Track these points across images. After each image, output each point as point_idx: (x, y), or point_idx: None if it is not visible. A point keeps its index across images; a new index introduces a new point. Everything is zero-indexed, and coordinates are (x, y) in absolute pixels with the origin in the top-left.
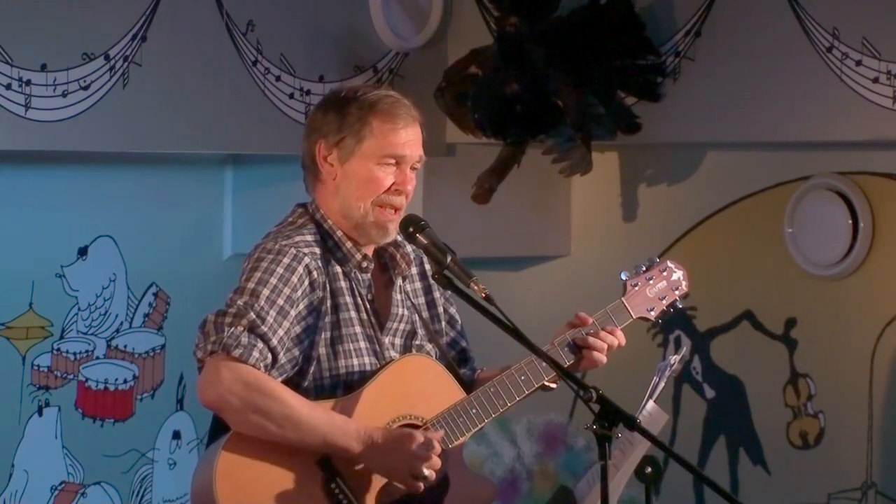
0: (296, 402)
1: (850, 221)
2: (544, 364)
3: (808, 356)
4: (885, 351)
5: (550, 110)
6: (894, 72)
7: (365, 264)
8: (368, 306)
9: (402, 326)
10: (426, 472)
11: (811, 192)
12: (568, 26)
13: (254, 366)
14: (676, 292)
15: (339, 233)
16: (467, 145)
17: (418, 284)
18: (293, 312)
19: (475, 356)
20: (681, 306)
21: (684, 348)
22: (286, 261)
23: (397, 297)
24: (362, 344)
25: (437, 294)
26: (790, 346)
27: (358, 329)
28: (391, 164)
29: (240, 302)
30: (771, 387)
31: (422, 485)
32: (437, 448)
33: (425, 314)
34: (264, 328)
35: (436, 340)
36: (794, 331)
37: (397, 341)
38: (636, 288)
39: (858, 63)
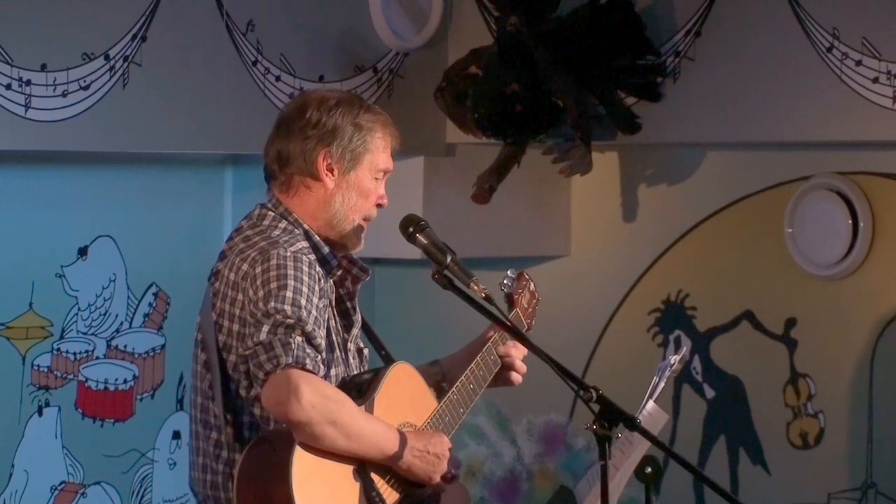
0: (357, 412)
1: (850, 221)
2: (492, 364)
3: (808, 356)
4: (885, 351)
5: (550, 110)
6: (894, 72)
7: (337, 270)
8: (335, 313)
9: (357, 332)
10: (453, 471)
11: (811, 192)
12: (568, 26)
13: (321, 377)
14: (535, 301)
15: (317, 237)
16: (467, 145)
17: (343, 290)
18: (321, 321)
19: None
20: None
21: (684, 348)
22: (305, 268)
23: (355, 302)
24: (337, 352)
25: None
26: (790, 346)
27: (333, 336)
28: (380, 178)
29: (287, 311)
30: (771, 387)
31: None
32: (451, 445)
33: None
34: (318, 339)
35: (377, 345)
36: (794, 331)
37: (352, 347)
38: (517, 298)
39: (858, 63)
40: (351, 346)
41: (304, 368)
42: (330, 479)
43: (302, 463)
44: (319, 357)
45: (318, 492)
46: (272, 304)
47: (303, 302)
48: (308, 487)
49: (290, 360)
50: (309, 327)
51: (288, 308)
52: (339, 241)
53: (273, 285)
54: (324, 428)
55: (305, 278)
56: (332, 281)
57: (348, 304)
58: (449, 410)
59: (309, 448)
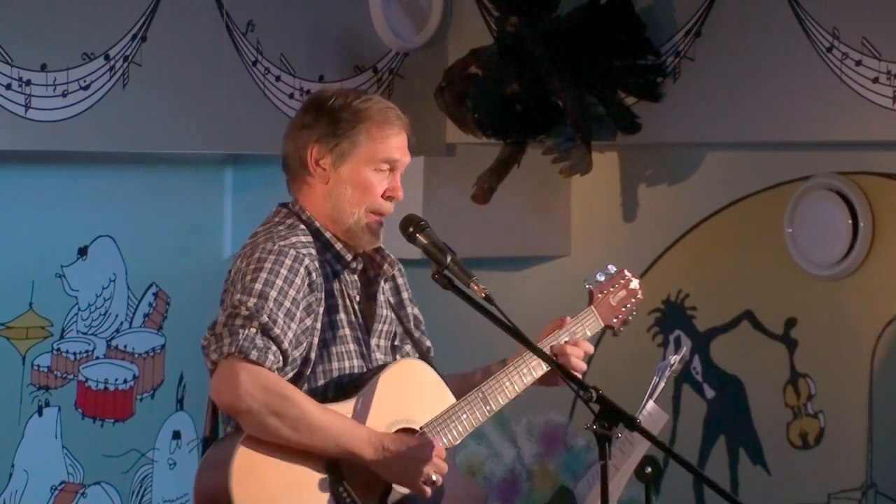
0: (310, 406)
1: (850, 221)
2: (527, 368)
3: (808, 356)
4: (885, 351)
5: (550, 110)
6: (894, 72)
7: (354, 265)
8: (356, 308)
9: (385, 328)
10: (434, 476)
11: (811, 192)
12: (568, 26)
13: (269, 369)
14: (633, 301)
15: (328, 234)
16: (467, 145)
17: (389, 284)
18: (298, 314)
19: (474, 356)
20: (635, 313)
21: (684, 348)
22: (288, 262)
23: (381, 298)
24: (351, 346)
25: (405, 294)
26: (790, 346)
27: (347, 331)
28: (385, 169)
29: (249, 303)
30: (771, 387)
31: (429, 489)
32: (443, 453)
33: (400, 314)
34: (277, 331)
35: (413, 341)
36: (794, 331)
37: (382, 343)
38: (601, 296)
39: (858, 63)
40: (380, 341)
41: (247, 358)
42: (286, 473)
43: (246, 457)
44: (274, 349)
45: (265, 486)
46: (238, 295)
47: (272, 294)
48: (251, 481)
49: (234, 349)
50: (265, 318)
51: (252, 300)
52: (347, 237)
53: (248, 278)
54: (265, 418)
55: (283, 271)
56: (354, 276)
57: (378, 299)
58: (469, 409)
59: (260, 442)
